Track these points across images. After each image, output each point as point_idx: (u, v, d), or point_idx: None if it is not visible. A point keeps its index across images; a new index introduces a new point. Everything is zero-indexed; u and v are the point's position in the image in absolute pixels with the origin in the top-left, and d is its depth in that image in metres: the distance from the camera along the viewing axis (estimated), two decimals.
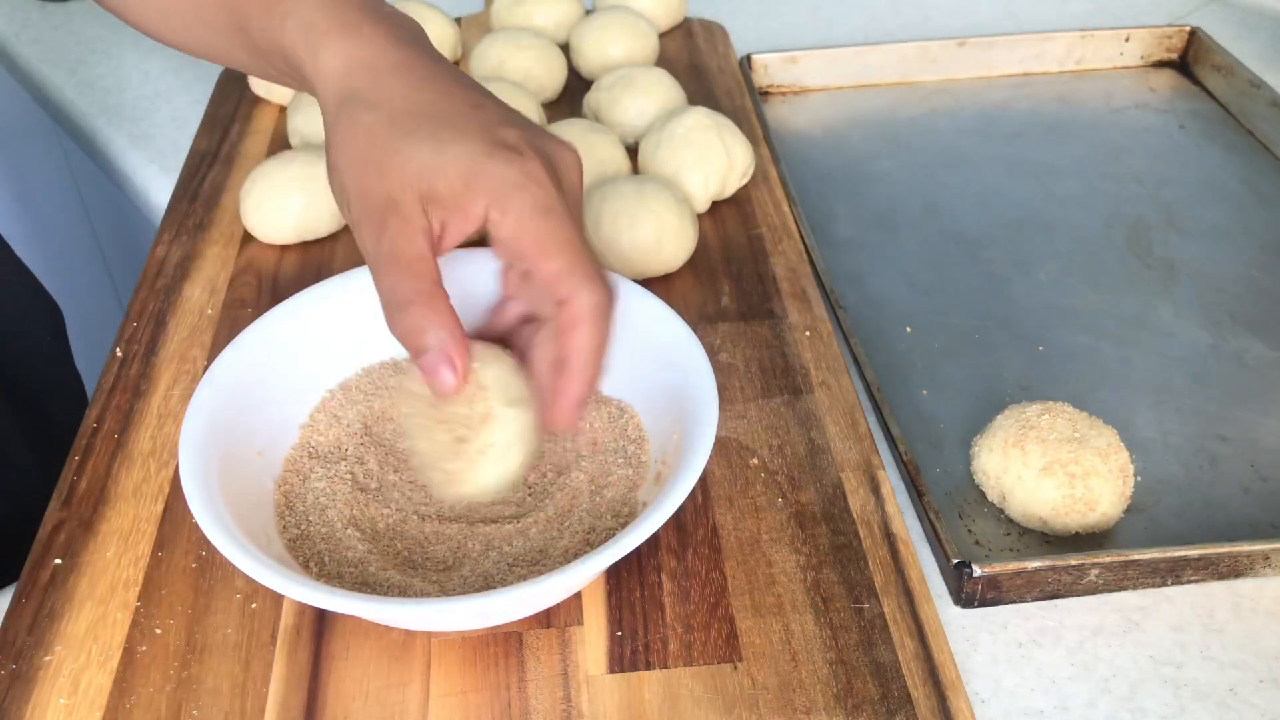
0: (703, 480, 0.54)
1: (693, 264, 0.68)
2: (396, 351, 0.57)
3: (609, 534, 0.49)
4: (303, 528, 0.49)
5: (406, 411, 0.48)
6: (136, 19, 0.56)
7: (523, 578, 0.48)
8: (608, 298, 0.45)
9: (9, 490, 0.66)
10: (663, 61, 0.88)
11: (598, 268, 0.45)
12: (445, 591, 0.48)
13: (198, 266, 0.69)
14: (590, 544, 0.49)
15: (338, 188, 0.46)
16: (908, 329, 0.66)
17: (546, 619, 0.48)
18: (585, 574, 0.43)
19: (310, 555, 0.48)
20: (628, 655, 0.47)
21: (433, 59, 0.48)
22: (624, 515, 0.50)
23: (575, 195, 0.47)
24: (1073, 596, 0.51)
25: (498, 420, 0.45)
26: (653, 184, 0.66)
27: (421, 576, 0.49)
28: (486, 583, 0.48)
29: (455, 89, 0.46)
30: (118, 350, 0.63)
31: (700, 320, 0.63)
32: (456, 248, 0.46)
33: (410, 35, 0.48)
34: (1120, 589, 0.51)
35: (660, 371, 0.53)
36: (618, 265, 0.64)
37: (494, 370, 0.46)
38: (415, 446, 0.48)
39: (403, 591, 0.47)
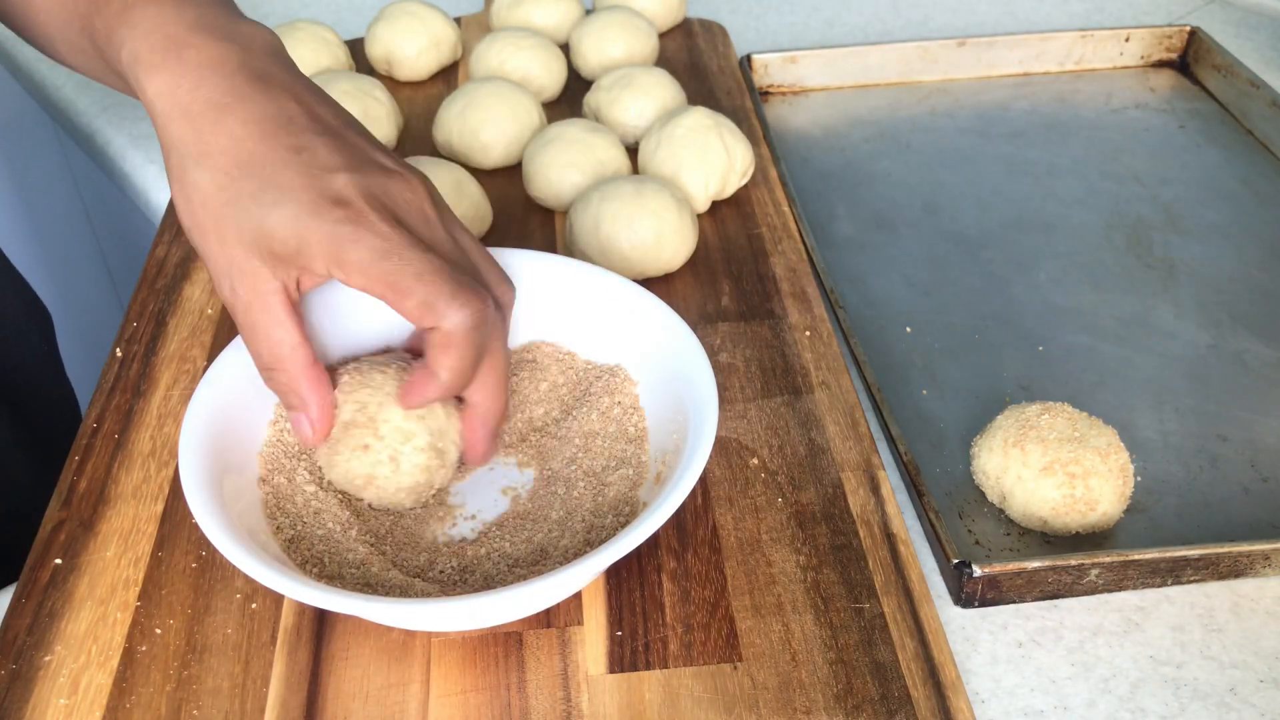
0: (703, 480, 0.54)
1: (693, 264, 0.68)
2: (395, 344, 0.57)
3: (609, 534, 0.49)
4: (298, 529, 0.49)
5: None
6: (34, 41, 0.56)
7: (523, 578, 0.48)
8: (478, 314, 0.45)
9: (5, 494, 0.66)
10: (663, 61, 0.88)
11: (460, 285, 0.44)
12: (446, 592, 0.48)
13: (198, 266, 0.69)
14: (590, 544, 0.49)
15: (192, 242, 0.46)
16: (907, 329, 0.66)
17: (546, 619, 0.48)
18: (585, 574, 0.43)
19: (309, 557, 0.48)
20: (628, 655, 0.47)
21: (258, 87, 0.45)
22: (625, 515, 0.50)
23: (420, 217, 0.45)
24: (1073, 596, 0.51)
25: (377, 445, 0.49)
26: (652, 184, 0.66)
27: (423, 577, 0.49)
28: (487, 583, 0.48)
29: (276, 132, 0.44)
30: (118, 350, 0.63)
31: (700, 320, 0.63)
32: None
33: (240, 57, 0.46)
34: (1120, 589, 0.51)
35: (660, 371, 0.53)
36: (618, 265, 0.64)
37: (378, 398, 0.49)
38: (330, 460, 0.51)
39: (404, 592, 0.47)
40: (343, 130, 0.46)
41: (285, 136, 0.44)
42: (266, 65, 0.46)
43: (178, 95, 0.45)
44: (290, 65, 0.48)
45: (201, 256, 0.46)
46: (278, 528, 0.49)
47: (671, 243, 0.65)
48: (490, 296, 0.46)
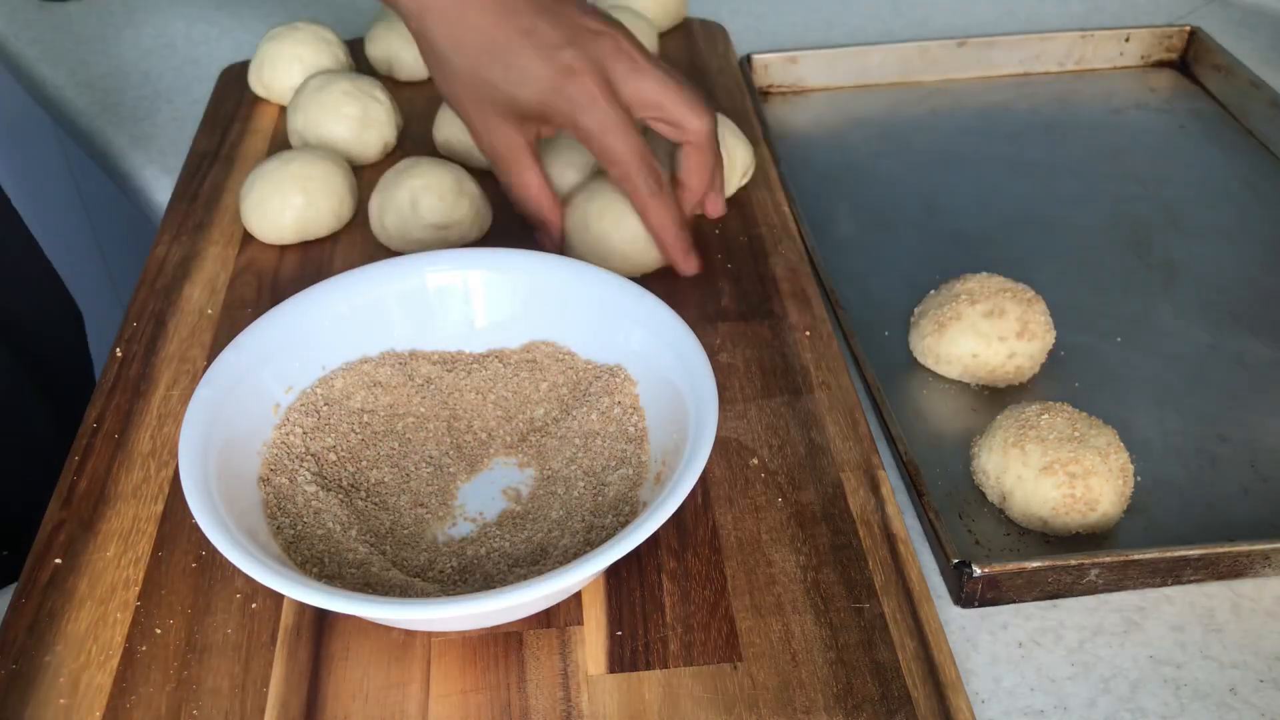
0: (703, 480, 0.54)
1: None
2: (395, 345, 0.57)
3: (609, 534, 0.49)
4: (298, 529, 0.49)
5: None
6: None
7: (523, 578, 0.48)
8: (659, 187, 0.61)
9: (34, 488, 0.66)
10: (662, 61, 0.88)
11: (649, 164, 0.60)
12: (447, 592, 0.48)
13: (198, 266, 0.69)
14: (590, 543, 0.49)
15: (453, 107, 0.62)
16: (908, 329, 0.66)
17: (546, 619, 0.48)
18: (585, 573, 0.43)
19: (309, 557, 0.48)
20: (628, 655, 0.47)
21: None
22: (624, 514, 0.50)
23: (635, 67, 0.59)
24: (1073, 596, 0.51)
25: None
26: None
27: (423, 576, 0.49)
28: (487, 583, 0.48)
29: (509, 19, 0.57)
30: (118, 350, 0.63)
31: (700, 320, 0.63)
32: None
33: None
34: (1120, 589, 0.51)
35: (660, 371, 0.53)
36: (616, 263, 0.64)
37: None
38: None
39: (405, 592, 0.47)
40: (557, 9, 0.58)
41: (515, 20, 0.57)
42: None
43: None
44: None
45: (463, 119, 0.62)
46: (278, 528, 0.49)
47: None
48: (663, 174, 0.62)
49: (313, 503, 0.50)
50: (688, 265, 0.64)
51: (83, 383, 0.78)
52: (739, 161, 0.71)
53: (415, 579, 0.48)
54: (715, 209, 0.65)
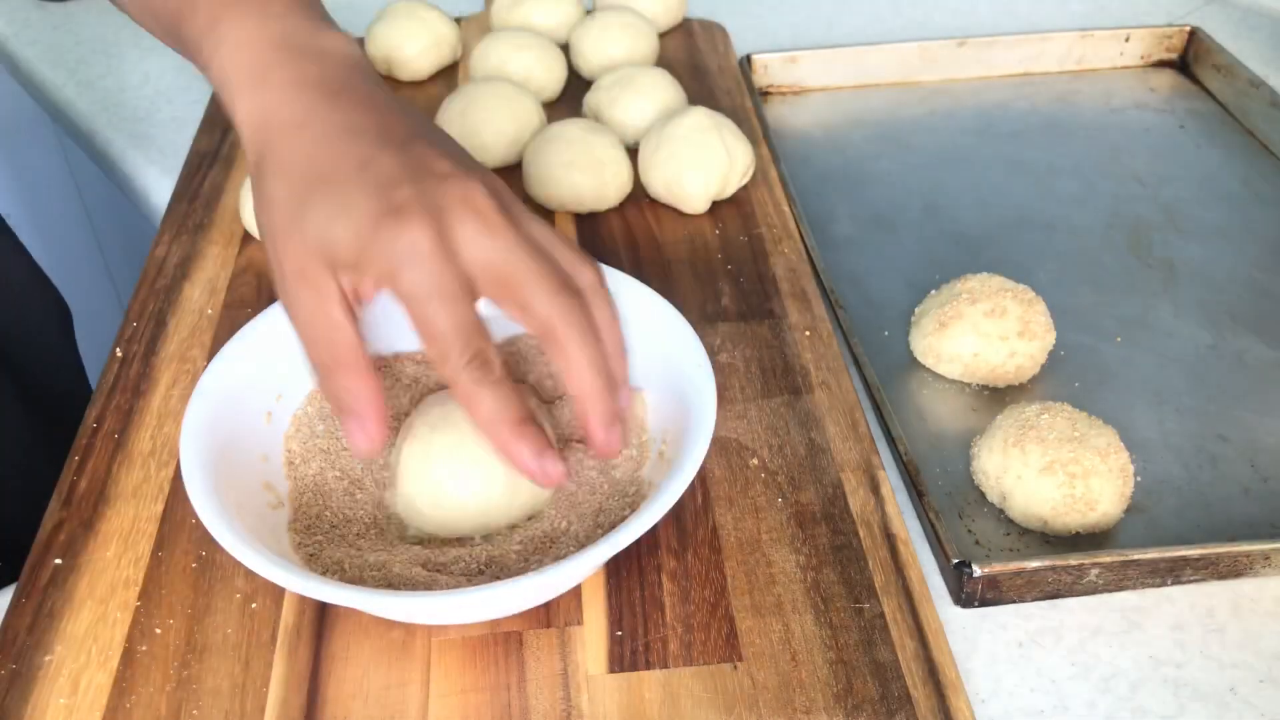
0: (703, 480, 0.54)
1: (693, 264, 0.68)
2: (378, 349, 0.57)
3: (618, 516, 0.49)
4: (317, 538, 0.49)
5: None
6: (136, 18, 0.57)
7: (539, 564, 0.48)
8: (487, 374, 0.45)
9: (26, 490, 0.66)
10: (663, 61, 0.88)
11: (476, 345, 0.44)
12: (470, 585, 0.48)
13: (198, 266, 0.69)
14: (600, 525, 0.49)
15: (266, 250, 0.48)
16: (908, 329, 0.66)
17: (546, 618, 0.48)
18: (600, 557, 0.43)
19: (330, 565, 0.48)
20: (628, 655, 0.47)
21: (333, 103, 0.47)
22: (631, 494, 0.50)
23: (486, 227, 0.45)
24: (1073, 596, 0.51)
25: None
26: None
27: (445, 572, 0.49)
28: (507, 574, 0.48)
29: (347, 147, 0.46)
30: (118, 350, 0.63)
31: (700, 320, 0.63)
32: None
33: (320, 72, 0.48)
34: (1120, 589, 0.51)
35: (651, 349, 0.53)
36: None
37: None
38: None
39: (428, 589, 0.47)
40: (410, 141, 0.47)
41: (354, 150, 0.46)
42: (345, 77, 0.49)
43: (264, 114, 0.48)
44: (368, 75, 0.50)
45: (271, 261, 0.48)
46: (299, 543, 0.49)
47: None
48: (494, 358, 0.45)
49: (324, 513, 0.50)
50: (543, 471, 0.45)
51: (71, 382, 0.78)
52: (739, 161, 0.71)
53: (437, 574, 0.48)
54: (602, 443, 0.46)
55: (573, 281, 0.46)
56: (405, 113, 0.49)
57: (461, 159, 0.48)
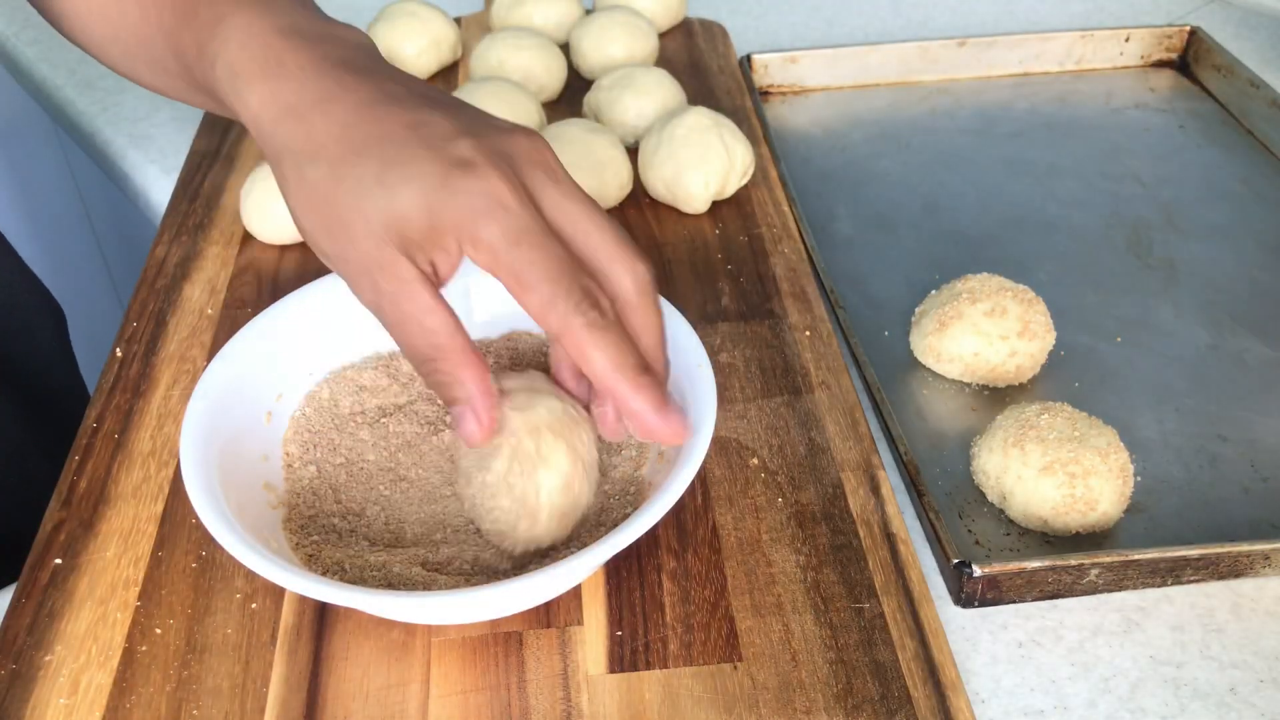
0: (703, 480, 0.54)
1: (693, 264, 0.68)
2: (378, 348, 0.57)
3: (618, 515, 0.49)
4: (314, 538, 0.49)
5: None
6: (107, 59, 0.55)
7: (539, 564, 0.48)
8: (598, 316, 0.41)
9: (18, 491, 0.66)
10: (663, 61, 0.88)
11: (587, 288, 0.41)
12: (470, 585, 0.48)
13: (198, 266, 0.69)
14: (602, 523, 0.49)
15: (317, 250, 0.44)
16: (908, 329, 0.66)
17: (546, 619, 0.48)
18: (600, 557, 0.43)
19: (330, 566, 0.48)
20: (628, 655, 0.47)
21: (361, 77, 0.44)
22: (631, 494, 0.50)
23: (546, 172, 0.43)
24: (1073, 596, 0.51)
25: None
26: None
27: (444, 571, 0.49)
28: (502, 572, 0.48)
29: (390, 111, 0.42)
30: (118, 350, 0.63)
31: (700, 320, 0.63)
32: None
33: (340, 54, 0.45)
34: (1120, 589, 0.51)
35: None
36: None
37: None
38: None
39: (427, 589, 0.47)
40: (454, 102, 0.44)
41: (398, 113, 0.42)
42: (365, 59, 0.46)
43: (282, 98, 0.43)
44: (385, 61, 0.47)
45: (331, 262, 0.43)
46: (297, 544, 0.49)
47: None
48: (603, 297, 0.42)
49: (323, 513, 0.50)
50: (670, 428, 0.43)
51: (66, 383, 0.77)
52: (739, 161, 0.71)
53: (436, 574, 0.48)
54: (657, 428, 0.43)
55: (633, 269, 0.43)
56: (434, 87, 0.46)
57: (508, 121, 0.44)
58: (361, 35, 0.47)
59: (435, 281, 0.42)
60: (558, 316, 0.41)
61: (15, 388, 0.69)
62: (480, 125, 0.43)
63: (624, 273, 0.43)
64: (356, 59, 0.45)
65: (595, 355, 0.41)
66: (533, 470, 0.45)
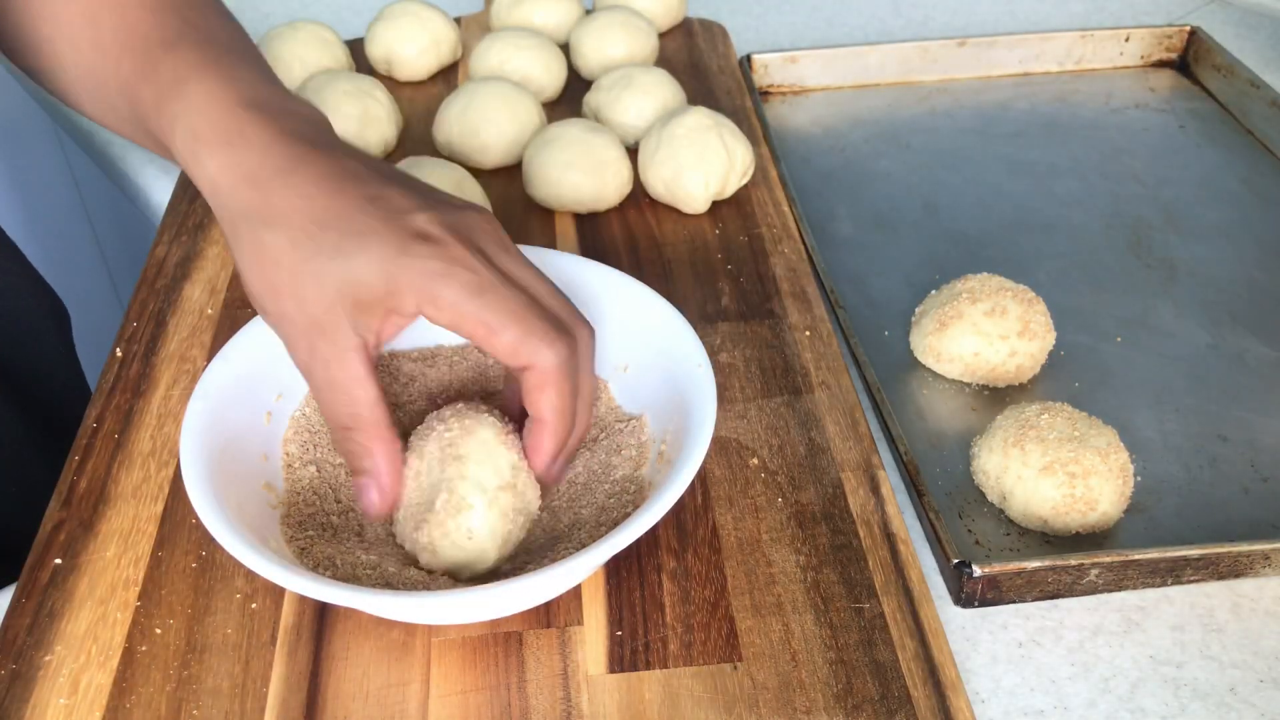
0: (703, 480, 0.54)
1: (693, 264, 0.68)
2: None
3: (618, 515, 0.49)
4: (309, 533, 0.49)
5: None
6: (73, 102, 0.56)
7: (539, 564, 0.48)
8: (570, 350, 0.44)
9: (19, 491, 0.66)
10: (663, 61, 0.88)
11: (550, 323, 0.44)
12: (470, 584, 0.48)
13: (198, 266, 0.69)
14: (602, 523, 0.49)
15: (259, 310, 0.45)
16: (908, 329, 0.66)
17: (546, 619, 0.48)
18: (600, 557, 0.43)
19: (321, 560, 0.48)
20: (628, 655, 0.47)
21: (322, 151, 0.45)
22: (631, 494, 0.50)
23: (500, 246, 0.45)
24: (1073, 596, 0.51)
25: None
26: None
27: (444, 571, 0.49)
28: (502, 572, 0.48)
29: (347, 184, 0.44)
30: (118, 350, 0.63)
31: (700, 320, 0.63)
32: None
33: (300, 129, 0.46)
34: (1120, 589, 0.51)
35: (647, 349, 0.53)
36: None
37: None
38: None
39: (425, 588, 0.47)
40: (409, 179, 0.46)
41: (357, 188, 0.44)
42: (322, 135, 0.47)
43: (243, 167, 0.45)
44: (340, 139, 0.48)
45: (274, 322, 0.45)
46: (290, 537, 0.49)
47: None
48: (574, 333, 0.45)
49: (323, 512, 0.50)
50: (550, 476, 0.48)
51: (69, 384, 0.77)
52: (739, 161, 0.71)
53: (439, 575, 0.48)
54: (545, 471, 0.48)
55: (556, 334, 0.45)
56: (388, 164, 0.48)
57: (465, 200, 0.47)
58: (318, 113, 0.49)
59: (371, 355, 0.44)
60: (529, 350, 0.43)
61: (16, 388, 0.69)
62: (435, 201, 0.45)
63: (539, 353, 0.44)
64: (316, 135, 0.47)
65: (551, 395, 0.44)
66: (457, 512, 0.47)
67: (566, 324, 0.45)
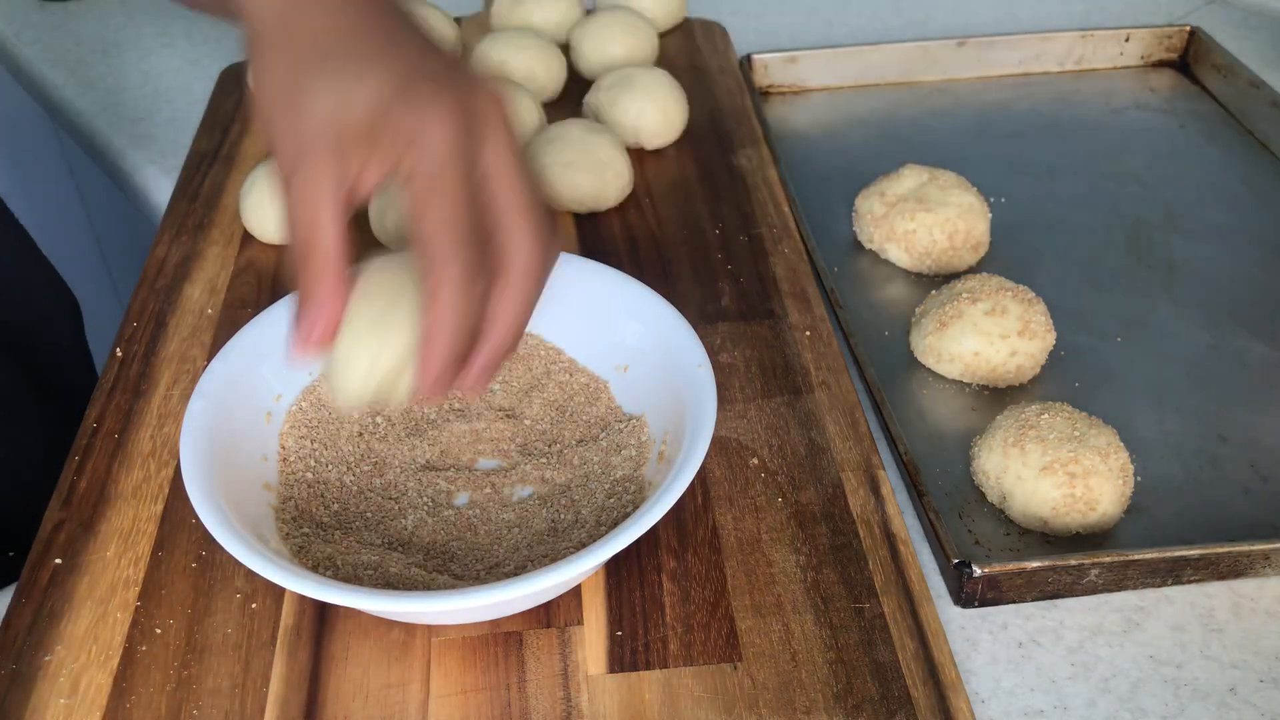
0: (703, 480, 0.54)
1: (693, 264, 0.68)
2: None
3: (618, 515, 0.49)
4: (307, 532, 0.49)
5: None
6: None
7: (539, 564, 0.48)
8: (470, 286, 0.42)
9: (34, 487, 0.66)
10: (663, 61, 0.88)
11: (472, 263, 0.42)
12: (470, 585, 0.48)
13: (198, 266, 0.69)
14: (602, 524, 0.49)
15: (265, 131, 0.44)
16: (908, 329, 0.66)
17: (546, 618, 0.48)
18: (600, 557, 0.43)
19: (320, 560, 0.48)
20: (628, 655, 0.47)
21: None
22: (631, 494, 0.50)
23: (507, 140, 0.43)
24: (1073, 596, 0.51)
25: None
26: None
27: (444, 570, 0.49)
28: (510, 574, 0.48)
29: (378, 17, 0.43)
30: (118, 350, 0.63)
31: (700, 320, 0.63)
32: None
33: None
34: (1120, 589, 0.51)
35: (655, 357, 0.53)
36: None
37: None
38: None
39: (427, 589, 0.47)
40: (433, 42, 0.45)
41: (385, 21, 0.43)
42: None
43: None
44: None
45: (270, 142, 0.44)
46: (285, 535, 0.49)
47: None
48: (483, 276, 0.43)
49: (318, 508, 0.50)
50: (433, 386, 0.44)
51: (83, 378, 0.78)
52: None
53: (438, 575, 0.48)
54: (471, 383, 0.45)
55: (528, 251, 0.43)
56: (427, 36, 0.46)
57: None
58: None
59: (349, 193, 0.43)
60: (433, 266, 0.42)
61: (39, 386, 0.70)
62: (452, 59, 0.44)
63: (517, 250, 0.43)
64: None
65: (439, 307, 0.42)
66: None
67: (509, 241, 0.43)
